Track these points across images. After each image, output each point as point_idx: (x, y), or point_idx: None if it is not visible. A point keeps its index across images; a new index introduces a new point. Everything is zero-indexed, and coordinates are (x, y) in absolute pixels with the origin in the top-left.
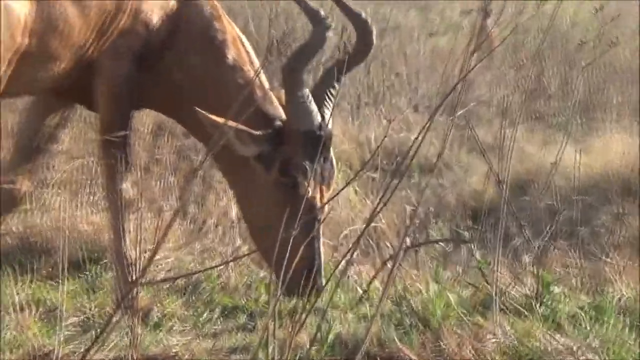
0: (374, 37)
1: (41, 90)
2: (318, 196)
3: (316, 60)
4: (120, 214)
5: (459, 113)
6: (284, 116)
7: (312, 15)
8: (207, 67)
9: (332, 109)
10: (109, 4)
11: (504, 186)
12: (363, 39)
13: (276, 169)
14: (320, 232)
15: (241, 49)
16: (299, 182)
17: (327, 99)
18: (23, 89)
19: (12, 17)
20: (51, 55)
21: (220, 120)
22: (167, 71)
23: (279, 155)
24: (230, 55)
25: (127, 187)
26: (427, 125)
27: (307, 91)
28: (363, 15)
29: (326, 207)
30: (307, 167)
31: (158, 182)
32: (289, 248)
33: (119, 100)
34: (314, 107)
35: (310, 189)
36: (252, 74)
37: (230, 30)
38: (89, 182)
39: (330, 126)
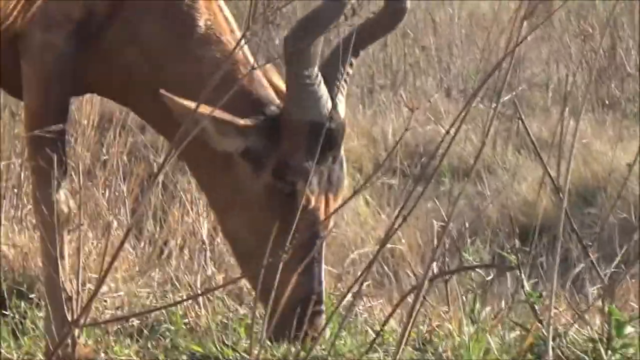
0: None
1: None
2: (322, 208)
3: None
4: (55, 234)
5: (504, 99)
6: (277, 101)
7: None
8: (169, 38)
9: (345, 95)
10: None
11: (564, 195)
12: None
13: (269, 169)
14: (323, 255)
15: (218, 13)
16: (299, 188)
17: (339, 82)
18: None
19: None
20: None
21: (192, 105)
22: (115, 45)
23: (273, 152)
24: (203, 21)
25: (63, 198)
26: (463, 116)
27: (315, 70)
28: None
29: (330, 222)
30: (310, 168)
31: (105, 191)
32: (279, 275)
33: (52, 84)
34: (323, 90)
35: (312, 198)
36: (232, 45)
37: None
38: (13, 191)
39: (342, 116)
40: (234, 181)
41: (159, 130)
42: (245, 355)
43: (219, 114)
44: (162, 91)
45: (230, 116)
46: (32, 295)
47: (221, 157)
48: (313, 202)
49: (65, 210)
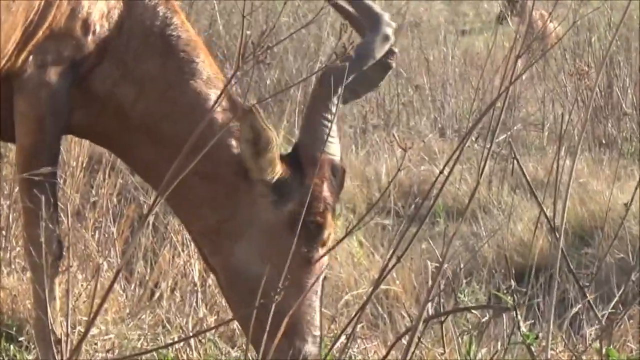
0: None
1: None
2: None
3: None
4: (45, 275)
5: (499, 139)
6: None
7: (371, 17)
8: (167, 78)
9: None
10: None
11: (560, 235)
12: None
13: (294, 201)
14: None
15: (208, 54)
16: (328, 219)
17: (329, 123)
18: None
19: None
20: None
21: (269, 128)
22: (108, 84)
23: (299, 185)
24: (200, 59)
25: (53, 239)
26: (457, 156)
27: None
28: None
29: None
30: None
31: (94, 233)
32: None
33: (46, 121)
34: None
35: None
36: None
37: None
38: (1, 233)
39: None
40: (250, 214)
41: (145, 172)
42: None
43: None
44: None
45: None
46: (21, 338)
47: (241, 190)
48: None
49: (55, 251)
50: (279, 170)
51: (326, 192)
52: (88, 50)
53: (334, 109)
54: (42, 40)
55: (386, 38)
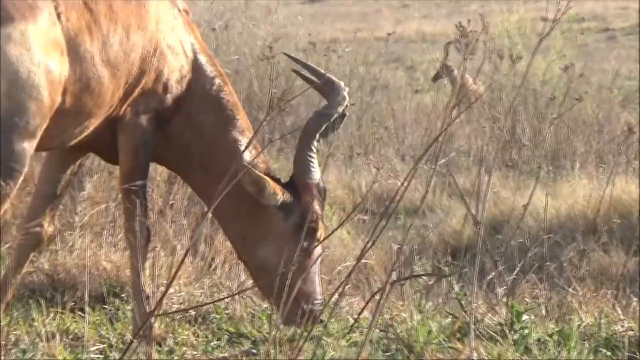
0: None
1: (70, 144)
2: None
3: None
4: (140, 253)
5: (441, 162)
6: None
7: (331, 85)
8: (218, 128)
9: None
10: (137, 68)
11: (481, 227)
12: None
13: (297, 215)
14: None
15: (244, 114)
16: (320, 225)
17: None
18: (55, 144)
19: (52, 77)
20: (85, 113)
21: (262, 176)
22: (179, 130)
23: (298, 204)
24: (240, 118)
25: (144, 229)
26: (413, 173)
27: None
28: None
29: (322, 247)
30: (322, 212)
31: (172, 225)
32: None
33: (140, 153)
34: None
35: (323, 232)
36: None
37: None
38: (110, 225)
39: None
40: (264, 225)
41: (199, 191)
42: (267, 335)
43: (272, 183)
44: (249, 166)
45: (279, 182)
46: (122, 295)
47: (252, 210)
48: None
49: (146, 237)
50: (281, 196)
51: (316, 207)
52: (167, 105)
53: (315, 148)
54: (136, 97)
55: (344, 99)
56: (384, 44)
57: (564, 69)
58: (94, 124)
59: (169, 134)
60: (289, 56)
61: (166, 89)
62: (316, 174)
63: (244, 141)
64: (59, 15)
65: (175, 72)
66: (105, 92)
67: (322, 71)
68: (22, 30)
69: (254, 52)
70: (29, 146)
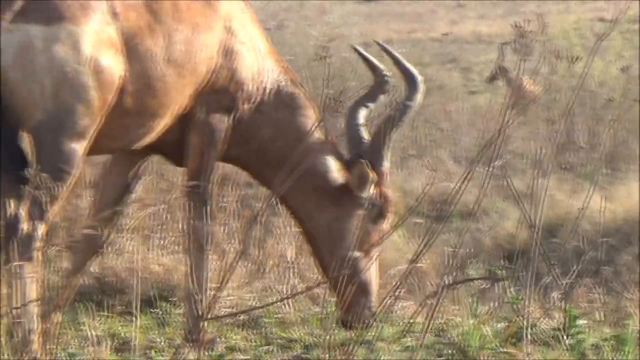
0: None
1: (135, 145)
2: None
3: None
4: (195, 256)
5: (496, 164)
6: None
7: (411, 76)
8: (294, 122)
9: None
10: (204, 66)
11: (536, 230)
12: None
13: (378, 205)
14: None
15: (314, 104)
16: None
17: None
18: (119, 145)
19: (103, 76)
20: (149, 112)
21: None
22: (254, 129)
23: (377, 196)
24: (311, 111)
25: (209, 229)
26: (467, 175)
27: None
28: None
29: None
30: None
31: (223, 227)
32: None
33: (208, 152)
34: None
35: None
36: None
37: None
38: (159, 227)
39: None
40: (351, 216)
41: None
42: (318, 339)
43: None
44: (361, 160)
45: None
46: (172, 298)
47: (345, 201)
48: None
49: (210, 237)
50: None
51: (391, 195)
52: (242, 102)
53: (390, 139)
54: (207, 95)
55: (421, 93)
56: (438, 44)
57: (622, 70)
58: (159, 124)
59: (244, 132)
60: (357, 51)
61: (240, 86)
62: (387, 162)
63: (316, 134)
64: (115, 15)
65: (249, 69)
66: (169, 91)
67: (404, 62)
68: (70, 30)
69: (307, 52)
70: (78, 147)
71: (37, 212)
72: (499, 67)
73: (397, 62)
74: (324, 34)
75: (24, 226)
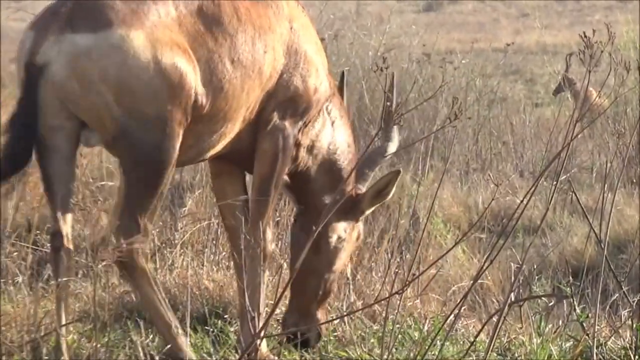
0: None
1: (208, 154)
2: None
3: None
4: (259, 266)
5: (562, 178)
6: None
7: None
8: (344, 133)
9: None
10: (271, 68)
11: (604, 246)
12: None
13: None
14: None
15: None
16: None
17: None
18: (192, 154)
19: (174, 78)
20: (220, 117)
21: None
22: (313, 134)
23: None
24: (349, 125)
25: (270, 238)
26: (532, 190)
27: None
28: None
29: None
30: None
31: (278, 242)
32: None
33: (279, 159)
34: None
35: None
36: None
37: None
38: (212, 242)
39: None
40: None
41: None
42: (377, 358)
43: None
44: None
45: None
46: (225, 316)
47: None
48: None
49: (269, 249)
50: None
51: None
52: (314, 108)
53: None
54: (281, 100)
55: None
56: (502, 55)
57: None
58: (231, 129)
59: (306, 139)
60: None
61: (314, 90)
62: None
63: (352, 144)
64: (174, 18)
65: (320, 72)
66: (239, 94)
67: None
68: (122, 35)
69: (365, 63)
70: (163, 157)
71: (135, 226)
72: (565, 79)
73: (387, 105)
74: (382, 44)
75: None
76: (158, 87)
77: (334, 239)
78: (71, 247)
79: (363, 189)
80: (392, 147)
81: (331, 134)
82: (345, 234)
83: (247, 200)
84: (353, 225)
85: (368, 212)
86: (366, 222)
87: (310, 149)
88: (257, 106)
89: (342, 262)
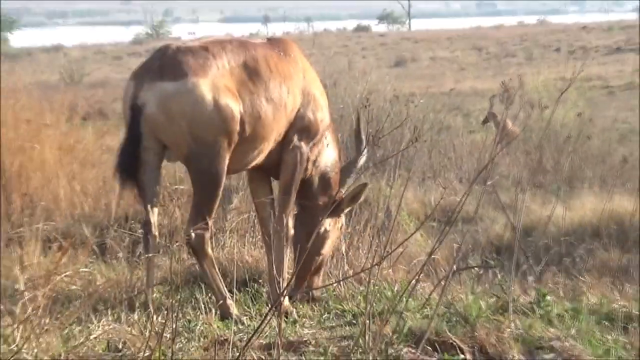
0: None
1: (250, 165)
2: None
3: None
4: (280, 249)
5: (488, 183)
6: None
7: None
8: (336, 152)
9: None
10: (291, 104)
11: (517, 231)
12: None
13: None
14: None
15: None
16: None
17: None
18: (240, 167)
19: (228, 113)
20: (259, 138)
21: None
22: (316, 153)
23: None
24: (336, 145)
25: (291, 225)
26: (468, 192)
27: None
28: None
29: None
30: None
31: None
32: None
33: (298, 170)
34: None
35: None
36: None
37: None
38: (251, 229)
39: None
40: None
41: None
42: (362, 310)
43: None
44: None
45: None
46: (260, 280)
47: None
48: None
49: (290, 233)
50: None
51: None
52: (319, 134)
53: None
54: (300, 127)
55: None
56: (447, 96)
57: (577, 115)
58: (266, 147)
59: (313, 157)
60: (358, 115)
61: (321, 121)
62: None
63: (338, 159)
64: (227, 69)
65: (324, 109)
66: (271, 122)
67: (362, 133)
68: (194, 82)
69: (354, 102)
70: (219, 170)
71: (201, 220)
72: (490, 113)
73: (358, 128)
74: (365, 89)
75: (194, 233)
76: (216, 121)
77: (321, 230)
78: (157, 233)
79: (343, 192)
80: (362, 159)
81: (327, 152)
82: (330, 227)
83: (273, 199)
84: (336, 220)
85: (346, 210)
86: (354, 215)
87: (314, 163)
88: (283, 131)
89: (329, 247)
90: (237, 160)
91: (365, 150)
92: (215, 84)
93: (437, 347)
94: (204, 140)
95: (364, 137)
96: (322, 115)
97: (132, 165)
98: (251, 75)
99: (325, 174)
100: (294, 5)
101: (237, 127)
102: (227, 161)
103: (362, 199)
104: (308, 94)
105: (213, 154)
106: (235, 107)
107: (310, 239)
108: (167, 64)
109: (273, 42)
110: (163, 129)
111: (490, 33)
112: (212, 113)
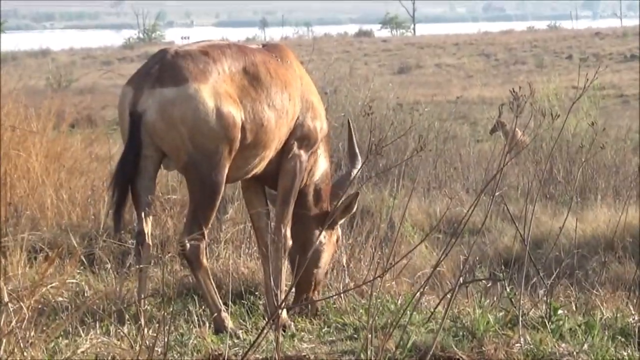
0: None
1: (251, 174)
2: None
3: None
4: (277, 260)
5: (496, 194)
6: None
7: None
8: (326, 160)
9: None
10: (292, 111)
11: (526, 243)
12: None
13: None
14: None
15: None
16: None
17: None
18: (241, 174)
19: (229, 120)
20: (261, 145)
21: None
22: (312, 161)
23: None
24: (329, 153)
25: (289, 236)
26: (475, 202)
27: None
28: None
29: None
30: None
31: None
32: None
33: (297, 177)
34: None
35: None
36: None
37: None
38: (247, 240)
39: None
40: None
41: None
42: (364, 323)
43: None
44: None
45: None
46: (256, 293)
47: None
48: None
49: (289, 243)
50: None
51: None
52: (317, 142)
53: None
54: (300, 135)
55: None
56: (453, 105)
57: (589, 125)
58: (268, 155)
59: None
60: (349, 125)
61: (319, 130)
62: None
63: (329, 172)
64: (227, 76)
65: (322, 117)
66: (273, 129)
67: (355, 145)
68: (195, 88)
69: (356, 110)
70: (219, 177)
71: (197, 230)
72: (498, 122)
73: (351, 140)
74: (367, 96)
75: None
76: (217, 128)
77: (316, 244)
78: (150, 243)
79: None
80: (355, 171)
81: (320, 163)
82: (325, 240)
83: (269, 209)
84: (331, 233)
85: (341, 222)
86: (355, 226)
87: (309, 172)
88: (284, 139)
89: (325, 260)
90: (237, 168)
91: (359, 164)
92: (216, 89)
93: None
94: (204, 147)
95: (357, 150)
96: (320, 123)
97: (133, 175)
98: (252, 80)
99: (317, 184)
100: (292, 8)
101: (239, 135)
102: (227, 169)
103: (354, 209)
104: (307, 101)
105: (213, 162)
106: (236, 113)
107: (304, 251)
108: (166, 69)
109: (269, 48)
110: (163, 136)
111: (498, 38)
112: (214, 120)
